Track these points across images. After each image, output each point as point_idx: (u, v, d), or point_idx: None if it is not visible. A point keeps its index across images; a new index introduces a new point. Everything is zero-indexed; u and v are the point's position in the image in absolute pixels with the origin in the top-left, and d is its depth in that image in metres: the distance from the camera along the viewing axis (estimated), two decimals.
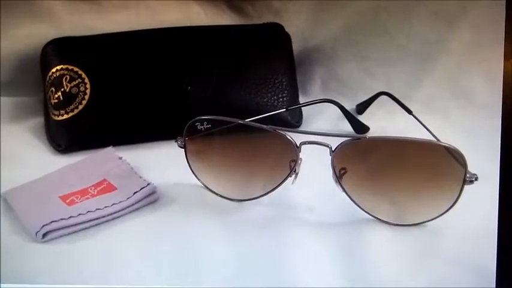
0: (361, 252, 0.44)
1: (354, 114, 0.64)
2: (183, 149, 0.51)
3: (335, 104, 0.61)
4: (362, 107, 0.66)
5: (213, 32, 0.64)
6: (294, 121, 0.63)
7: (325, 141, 0.47)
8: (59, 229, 0.46)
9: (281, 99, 0.63)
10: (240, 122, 0.49)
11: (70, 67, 0.60)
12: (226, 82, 0.62)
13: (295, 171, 0.48)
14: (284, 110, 0.60)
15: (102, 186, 0.51)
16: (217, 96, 0.61)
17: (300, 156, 0.47)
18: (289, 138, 0.47)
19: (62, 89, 0.60)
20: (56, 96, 0.60)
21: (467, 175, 0.44)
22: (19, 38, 0.65)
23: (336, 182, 0.47)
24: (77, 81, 0.60)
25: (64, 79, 0.60)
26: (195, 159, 0.51)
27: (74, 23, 0.65)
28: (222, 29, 0.65)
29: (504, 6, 0.44)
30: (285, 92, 0.63)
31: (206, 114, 0.50)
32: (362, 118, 0.64)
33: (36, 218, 0.46)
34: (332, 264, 0.43)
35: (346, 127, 0.62)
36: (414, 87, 0.67)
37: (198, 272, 0.43)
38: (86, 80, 0.60)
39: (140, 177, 0.52)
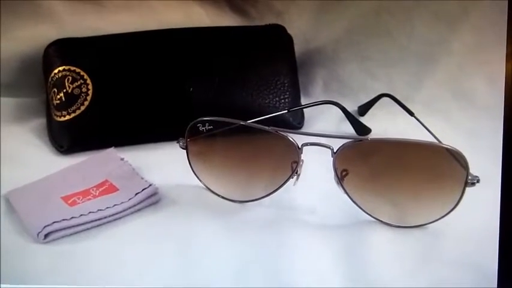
0: (363, 254, 0.44)
1: (356, 115, 0.64)
2: (185, 150, 0.51)
3: (337, 106, 0.61)
4: (364, 109, 0.66)
5: (215, 33, 0.64)
6: (296, 122, 0.63)
7: (327, 143, 0.47)
8: (60, 230, 0.46)
9: (283, 101, 0.63)
10: (241, 123, 0.49)
11: (72, 68, 0.60)
12: (228, 83, 0.62)
13: (296, 173, 0.48)
14: (286, 111, 0.60)
15: (104, 187, 0.51)
16: (219, 97, 0.61)
17: (302, 158, 0.47)
18: (290, 139, 0.47)
19: (64, 90, 0.60)
20: (58, 97, 0.60)
21: (469, 177, 0.44)
22: (21, 39, 0.65)
23: (338, 183, 0.47)
24: (79, 82, 0.60)
25: (66, 80, 0.60)
26: (196, 160, 0.51)
27: (76, 24, 0.65)
28: (224, 31, 0.65)
29: (506, 8, 0.44)
30: (287, 93, 0.63)
31: (208, 116, 0.50)
32: (364, 120, 0.64)
33: (38, 219, 0.46)
34: (334, 266, 0.43)
35: (348, 129, 0.62)
36: (416, 89, 0.67)
37: (200, 272, 0.43)
38: (88, 81, 0.60)
39: (142, 178, 0.52)
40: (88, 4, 0.66)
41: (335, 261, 0.44)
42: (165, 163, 0.55)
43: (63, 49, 0.62)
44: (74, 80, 0.60)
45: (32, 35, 0.64)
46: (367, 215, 0.48)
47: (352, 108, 0.65)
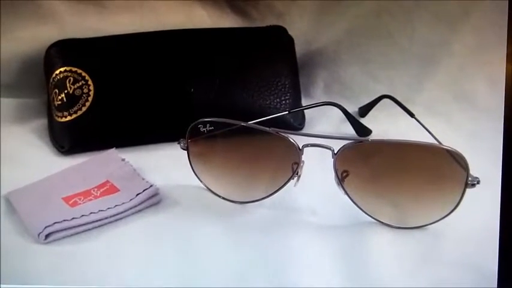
0: (363, 255, 0.44)
1: (357, 117, 0.64)
2: (186, 151, 0.51)
3: (337, 107, 0.61)
4: (364, 110, 0.66)
5: (216, 34, 0.64)
6: (297, 123, 0.63)
7: (328, 144, 0.47)
8: (61, 230, 0.46)
9: (284, 102, 0.63)
10: (242, 124, 0.49)
11: (74, 69, 0.60)
12: (229, 84, 0.62)
13: (297, 174, 0.48)
14: (287, 112, 0.60)
15: (105, 188, 0.51)
16: (220, 98, 0.61)
17: (303, 159, 0.47)
18: (291, 140, 0.47)
19: (66, 91, 0.60)
20: (60, 97, 0.60)
21: (469, 178, 0.44)
22: (23, 40, 0.65)
23: (338, 184, 0.47)
24: (80, 83, 0.60)
25: (67, 81, 0.60)
26: (197, 161, 0.51)
27: (77, 24, 0.65)
28: (225, 32, 0.65)
29: (506, 8, 0.44)
30: (288, 94, 0.63)
31: (209, 117, 0.50)
32: (364, 121, 0.64)
33: (38, 219, 0.46)
34: (334, 267, 0.43)
35: (349, 130, 0.62)
36: (416, 90, 0.67)
37: (201, 273, 0.43)
38: (90, 82, 0.60)
39: (143, 178, 0.52)
40: (89, 5, 0.66)
41: (336, 262, 0.44)
42: (166, 164, 0.55)
43: (65, 50, 0.62)
44: (75, 81, 0.60)
45: (33, 36, 0.64)
46: (367, 216, 0.48)
47: (353, 109, 0.65)
